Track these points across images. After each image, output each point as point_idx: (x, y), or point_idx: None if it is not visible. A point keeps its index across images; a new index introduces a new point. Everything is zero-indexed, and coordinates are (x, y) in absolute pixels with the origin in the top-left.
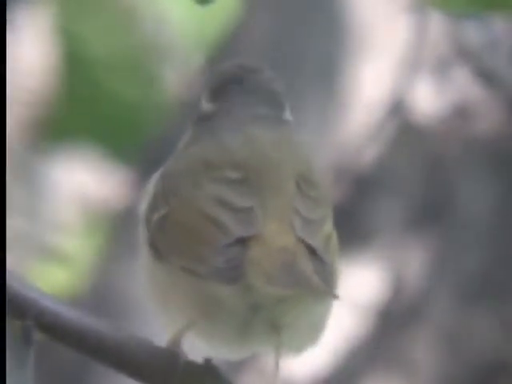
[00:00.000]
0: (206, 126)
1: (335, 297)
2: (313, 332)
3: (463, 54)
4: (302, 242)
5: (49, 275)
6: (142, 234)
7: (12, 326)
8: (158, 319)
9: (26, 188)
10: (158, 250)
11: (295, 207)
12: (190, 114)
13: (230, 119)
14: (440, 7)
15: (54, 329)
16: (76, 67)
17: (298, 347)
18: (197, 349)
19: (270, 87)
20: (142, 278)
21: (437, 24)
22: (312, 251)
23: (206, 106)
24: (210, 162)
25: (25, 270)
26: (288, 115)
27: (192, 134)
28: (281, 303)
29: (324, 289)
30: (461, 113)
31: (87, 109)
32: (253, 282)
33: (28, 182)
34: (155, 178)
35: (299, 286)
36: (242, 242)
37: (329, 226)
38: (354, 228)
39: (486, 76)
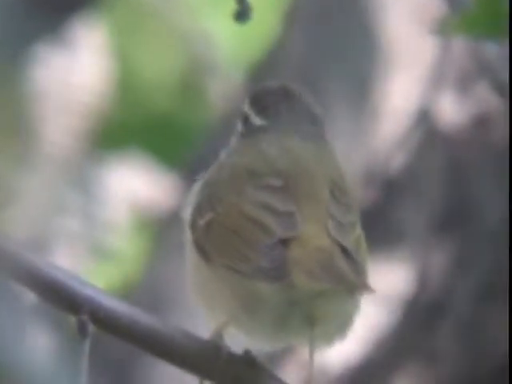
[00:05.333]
0: (252, 139)
1: (371, 291)
2: (343, 325)
3: (483, 68)
4: (337, 243)
5: (101, 273)
6: (187, 237)
7: (68, 321)
8: (201, 314)
9: (80, 192)
10: (204, 251)
11: (330, 212)
12: (232, 126)
13: (277, 135)
14: (461, 32)
15: (107, 322)
16: (127, 82)
17: (330, 339)
18: (237, 341)
19: (312, 110)
20: (188, 276)
21: (459, 41)
22: (345, 251)
23: (255, 120)
24: (253, 170)
25: (80, 268)
26: (326, 134)
27: (236, 145)
28: (317, 299)
29: (359, 285)
30: (481, 122)
31: (138, 120)
32: (295, 279)
33: (83, 187)
34: (199, 185)
35: (338, 281)
36: (284, 243)
37: (358, 229)
38: (383, 229)
39: (504, 89)
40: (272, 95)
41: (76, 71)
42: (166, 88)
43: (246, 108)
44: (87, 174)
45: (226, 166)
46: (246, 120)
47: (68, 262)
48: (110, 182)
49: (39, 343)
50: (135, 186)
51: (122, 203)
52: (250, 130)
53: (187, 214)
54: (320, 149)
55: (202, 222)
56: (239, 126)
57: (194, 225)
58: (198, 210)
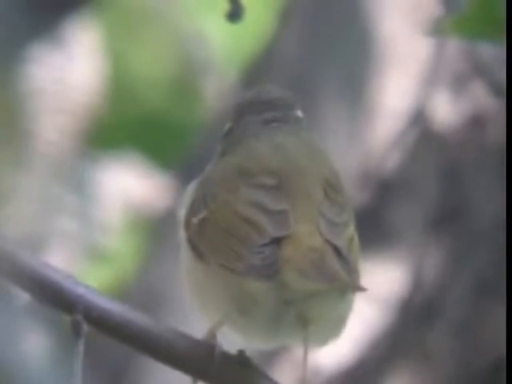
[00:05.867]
0: (229, 140)
1: (362, 290)
2: (336, 325)
3: (478, 68)
4: (329, 242)
5: (96, 272)
6: (181, 236)
7: (62, 321)
8: (196, 313)
9: (74, 192)
10: (197, 250)
11: (322, 211)
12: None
13: (243, 128)
14: (456, 33)
15: (101, 322)
16: (121, 82)
17: (323, 339)
18: (231, 341)
19: (277, 95)
20: (182, 275)
21: (454, 41)
22: (337, 251)
23: (226, 126)
24: (246, 169)
25: (74, 268)
26: (299, 113)
27: (221, 148)
28: (310, 298)
29: (351, 284)
30: (476, 122)
31: (131, 119)
32: (286, 278)
33: (77, 187)
34: (193, 185)
35: (329, 281)
36: (276, 242)
37: (351, 229)
38: (378, 228)
39: (499, 89)
40: (240, 101)
41: (70, 71)
42: (160, 88)
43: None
44: (81, 174)
45: (219, 165)
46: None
47: (62, 261)
48: (105, 182)
49: (33, 343)
50: (129, 185)
51: (116, 203)
52: (224, 135)
53: (181, 213)
54: (312, 146)
55: (195, 220)
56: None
57: (187, 223)
58: (192, 209)
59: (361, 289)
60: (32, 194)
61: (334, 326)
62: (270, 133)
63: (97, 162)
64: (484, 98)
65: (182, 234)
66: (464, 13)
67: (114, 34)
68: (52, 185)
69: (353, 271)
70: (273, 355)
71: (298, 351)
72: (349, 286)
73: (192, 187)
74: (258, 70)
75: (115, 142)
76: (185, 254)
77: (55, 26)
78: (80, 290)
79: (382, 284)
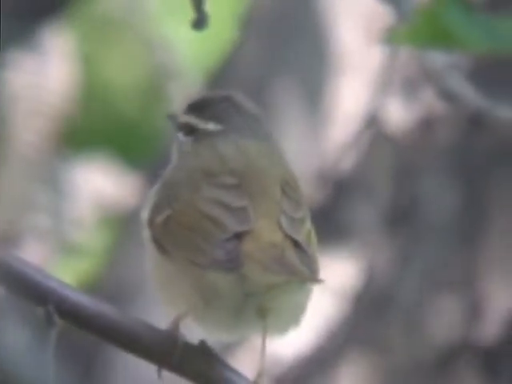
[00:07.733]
0: (206, 142)
1: (320, 282)
2: (295, 316)
3: (428, 75)
4: (289, 237)
5: (68, 267)
6: (145, 235)
7: (35, 312)
8: (161, 305)
9: (49, 190)
10: (162, 247)
11: (281, 207)
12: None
13: (233, 137)
14: (406, 42)
15: (72, 314)
16: (94, 86)
17: (283, 328)
18: (194, 331)
19: (255, 113)
20: (148, 270)
21: (405, 49)
22: (296, 245)
23: (208, 126)
24: (209, 170)
25: (47, 262)
26: (271, 133)
27: (190, 149)
28: (269, 291)
29: (310, 276)
30: (426, 126)
31: (103, 122)
32: (248, 271)
33: (51, 185)
34: (156, 187)
35: (289, 274)
36: (238, 237)
37: (308, 224)
38: (333, 225)
39: (448, 94)
40: (218, 102)
41: (45, 75)
42: (130, 92)
43: (188, 118)
44: (56, 173)
45: (182, 167)
46: (190, 129)
47: (36, 256)
48: (78, 181)
49: (8, 334)
50: (101, 184)
51: (88, 200)
52: (202, 136)
53: (144, 215)
54: (271, 149)
55: (159, 220)
56: (180, 137)
57: (151, 222)
58: (156, 209)
59: (318, 281)
60: (8, 191)
61: (293, 316)
62: (234, 136)
63: (70, 162)
64: (434, 103)
65: (146, 234)
66: (411, 23)
67: (87, 40)
68: (27, 183)
69: (312, 263)
70: (233, 345)
71: (258, 341)
72: (308, 278)
73: (154, 189)
74: (222, 75)
75: (88, 143)
76: (150, 252)
77: (31, 32)
78: (52, 283)
79: (338, 278)
